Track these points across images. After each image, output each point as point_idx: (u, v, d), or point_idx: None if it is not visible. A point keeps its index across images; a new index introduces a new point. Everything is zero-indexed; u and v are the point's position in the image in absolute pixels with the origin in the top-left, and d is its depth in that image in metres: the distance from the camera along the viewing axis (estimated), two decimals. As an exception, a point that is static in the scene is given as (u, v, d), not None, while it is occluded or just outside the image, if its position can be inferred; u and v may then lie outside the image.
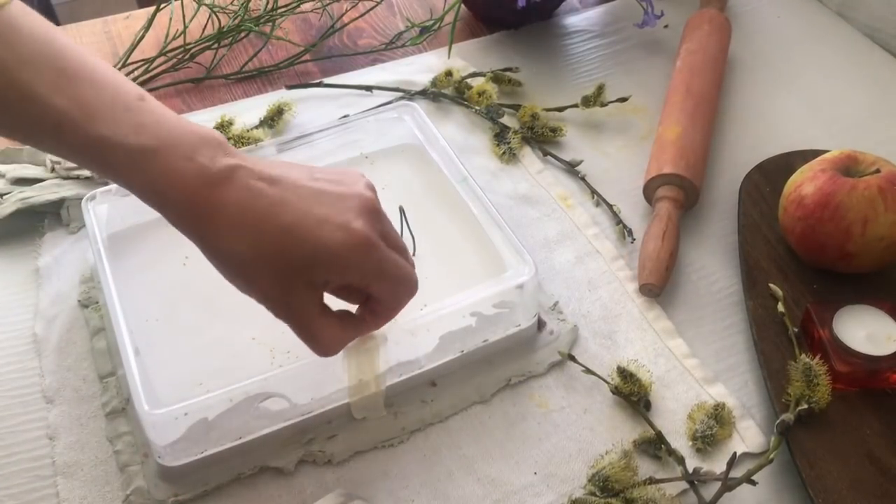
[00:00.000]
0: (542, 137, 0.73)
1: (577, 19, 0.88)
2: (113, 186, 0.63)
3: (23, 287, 0.62)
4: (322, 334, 0.48)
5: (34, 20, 0.45)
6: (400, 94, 0.77)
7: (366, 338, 0.51)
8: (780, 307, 0.58)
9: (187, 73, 0.81)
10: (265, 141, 0.70)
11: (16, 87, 0.43)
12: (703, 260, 0.65)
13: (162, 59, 0.81)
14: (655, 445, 0.53)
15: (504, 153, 0.72)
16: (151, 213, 0.64)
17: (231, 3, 0.87)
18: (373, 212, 0.48)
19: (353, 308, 0.51)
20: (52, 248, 0.64)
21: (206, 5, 0.83)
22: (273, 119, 0.74)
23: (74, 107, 0.44)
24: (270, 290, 0.46)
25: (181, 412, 0.49)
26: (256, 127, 0.73)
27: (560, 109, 0.76)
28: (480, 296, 0.55)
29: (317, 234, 0.46)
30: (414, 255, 0.62)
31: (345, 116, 0.73)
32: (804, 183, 0.60)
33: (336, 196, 0.48)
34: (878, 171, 0.58)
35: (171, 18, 0.83)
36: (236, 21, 0.83)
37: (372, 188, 0.50)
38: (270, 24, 0.84)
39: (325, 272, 0.46)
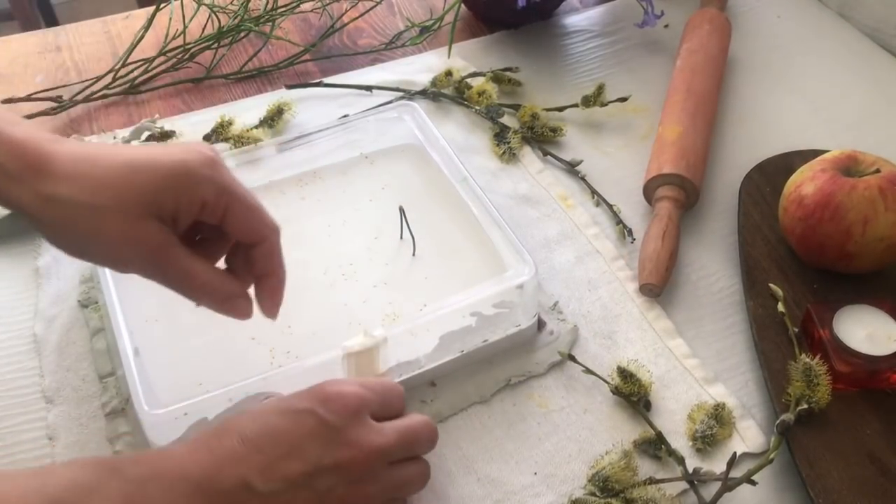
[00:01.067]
0: (542, 137, 0.73)
1: (577, 19, 0.88)
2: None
3: (23, 287, 0.62)
4: (188, 268, 0.46)
5: None
6: (400, 94, 0.77)
7: (366, 339, 0.51)
8: (781, 307, 0.58)
9: (187, 73, 0.81)
10: (265, 141, 0.70)
11: None
12: (703, 260, 0.65)
13: (162, 58, 0.81)
14: (655, 445, 0.53)
15: (504, 153, 0.72)
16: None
17: (231, 2, 0.87)
18: (211, 150, 0.46)
19: None
20: (52, 247, 0.64)
21: (205, 5, 0.83)
22: (273, 119, 0.74)
23: None
24: (118, 233, 0.44)
25: (181, 412, 0.48)
26: (256, 127, 0.73)
27: (560, 109, 0.76)
28: (480, 296, 0.55)
29: (158, 159, 0.44)
30: (414, 255, 0.62)
31: (345, 116, 0.73)
32: (804, 183, 0.60)
33: (179, 145, 0.47)
34: (878, 171, 0.58)
35: (170, 18, 0.83)
36: (236, 21, 0.83)
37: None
38: (270, 23, 0.84)
39: (174, 195, 0.44)
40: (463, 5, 0.85)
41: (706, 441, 0.53)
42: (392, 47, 0.84)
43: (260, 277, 0.49)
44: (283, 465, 0.43)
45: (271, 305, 0.50)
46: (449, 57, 0.81)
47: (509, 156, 0.72)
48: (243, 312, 0.48)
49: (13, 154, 0.43)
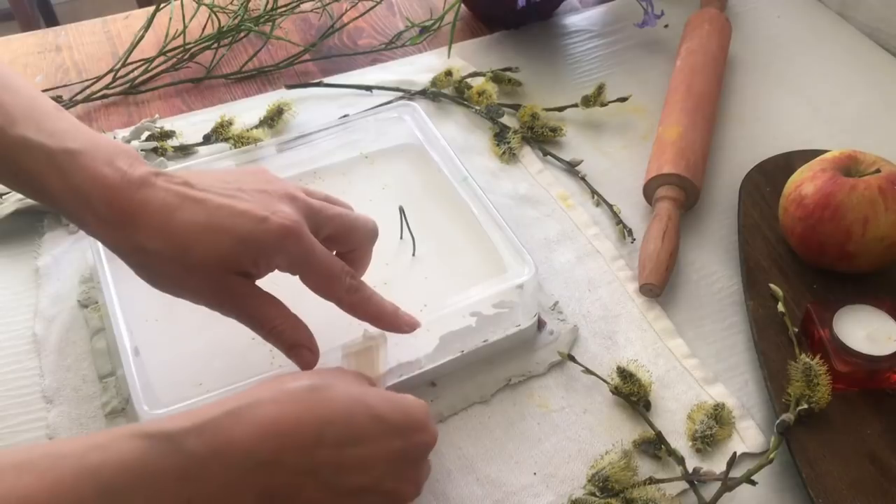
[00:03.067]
0: (542, 137, 0.73)
1: (577, 19, 0.88)
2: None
3: (22, 287, 0.62)
4: (263, 315, 0.48)
5: None
6: (400, 93, 0.77)
7: (366, 338, 0.51)
8: (781, 307, 0.58)
9: (187, 73, 0.81)
10: (265, 141, 0.70)
11: None
12: (703, 260, 0.65)
13: (162, 58, 0.81)
14: (655, 445, 0.53)
15: (504, 153, 0.72)
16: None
17: (231, 2, 0.87)
18: (295, 199, 0.48)
19: None
20: (52, 248, 0.64)
21: (205, 5, 0.83)
22: (273, 119, 0.74)
23: None
24: (202, 286, 0.47)
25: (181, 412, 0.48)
26: (256, 127, 0.73)
27: (560, 109, 0.76)
28: (480, 296, 0.55)
29: (238, 225, 0.46)
30: (414, 255, 0.62)
31: (345, 116, 0.73)
32: (804, 183, 0.60)
33: (256, 191, 0.48)
34: (878, 171, 0.58)
35: (170, 18, 0.83)
36: (236, 21, 0.83)
37: (294, 187, 0.50)
38: (270, 23, 0.84)
39: (252, 262, 0.47)
40: (463, 5, 0.85)
41: (706, 441, 0.53)
42: (392, 47, 0.84)
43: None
44: (351, 477, 0.43)
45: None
46: (449, 57, 0.81)
47: (509, 156, 0.72)
48: (306, 363, 0.49)
49: (106, 201, 0.45)
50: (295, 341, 0.49)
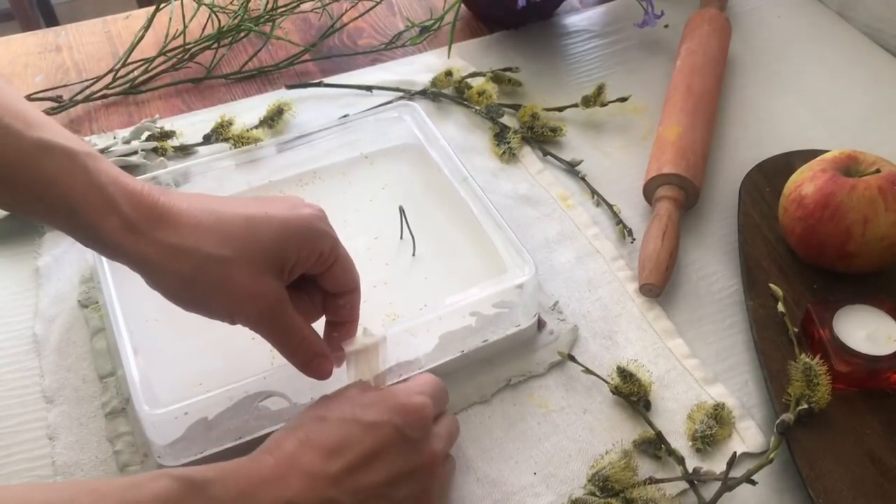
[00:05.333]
0: (542, 137, 0.73)
1: (577, 19, 0.88)
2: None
3: (23, 287, 0.62)
4: (293, 324, 0.48)
5: None
6: (400, 94, 0.77)
7: (366, 338, 0.51)
8: (781, 307, 0.58)
9: (187, 73, 0.81)
10: (265, 141, 0.70)
11: None
12: (703, 260, 0.65)
13: (162, 58, 0.81)
14: (655, 445, 0.53)
15: (504, 153, 0.72)
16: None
17: (231, 3, 0.87)
18: (320, 209, 0.50)
19: None
20: (52, 248, 0.64)
21: (205, 5, 0.83)
22: (273, 119, 0.74)
23: (8, 115, 0.43)
24: (242, 286, 0.45)
25: (181, 412, 0.48)
26: (256, 127, 0.73)
27: (560, 109, 0.76)
28: (480, 296, 0.55)
29: (275, 214, 0.46)
30: (414, 255, 0.62)
31: (345, 116, 0.73)
32: (804, 183, 0.60)
33: (281, 200, 0.49)
34: (878, 171, 0.58)
35: (170, 18, 0.83)
36: (236, 21, 0.83)
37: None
38: (270, 23, 0.84)
39: (296, 247, 0.47)
40: (463, 5, 0.85)
41: (706, 441, 0.53)
42: (392, 47, 0.84)
43: (336, 325, 0.52)
44: (365, 477, 0.44)
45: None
46: (449, 57, 0.81)
47: (509, 156, 0.72)
48: (325, 373, 0.50)
49: (133, 204, 0.44)
50: (318, 352, 0.49)
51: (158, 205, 0.44)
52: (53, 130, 0.44)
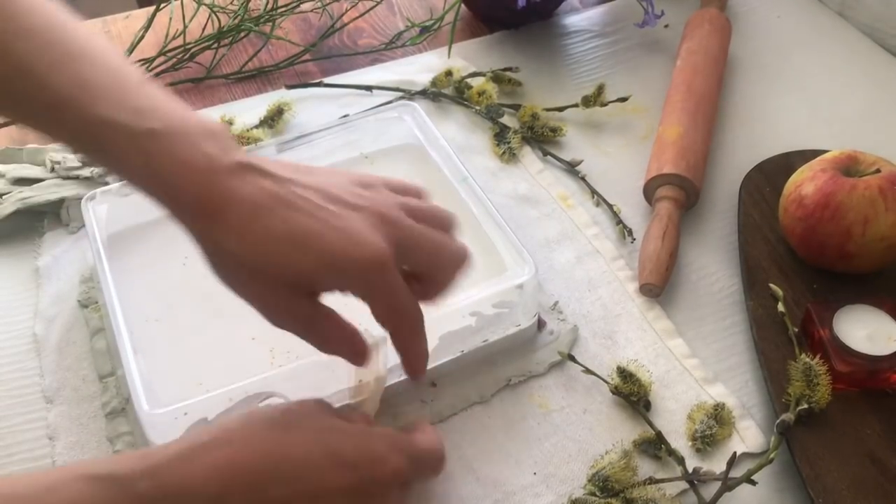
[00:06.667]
0: (542, 137, 0.73)
1: (578, 19, 0.88)
2: (113, 186, 0.63)
3: (23, 287, 0.62)
4: (327, 333, 0.46)
5: None
6: (400, 93, 0.77)
7: (366, 338, 0.51)
8: (781, 307, 0.58)
9: (187, 73, 0.81)
10: (265, 141, 0.70)
11: (10, 60, 0.41)
12: (704, 260, 0.65)
13: (162, 58, 0.81)
14: (655, 445, 0.53)
15: (504, 153, 0.72)
16: (151, 214, 0.64)
17: (231, 2, 0.87)
18: (388, 221, 0.45)
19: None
20: (52, 248, 0.64)
21: (205, 5, 0.83)
22: (273, 119, 0.74)
23: (74, 86, 0.41)
24: (271, 300, 0.44)
25: (181, 412, 0.48)
26: (256, 127, 0.73)
27: (560, 109, 0.76)
28: (480, 296, 0.55)
29: (324, 247, 0.43)
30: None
31: (345, 116, 0.73)
32: (804, 183, 0.60)
33: (351, 205, 0.44)
34: (878, 171, 0.58)
35: (170, 18, 0.83)
36: (236, 21, 0.83)
37: (392, 203, 0.47)
38: (270, 23, 0.84)
39: (327, 286, 0.45)
40: (463, 5, 0.85)
41: (706, 441, 0.53)
42: (392, 47, 0.84)
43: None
44: None
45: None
46: (449, 57, 0.81)
47: (509, 156, 0.72)
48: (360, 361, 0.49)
49: (188, 189, 0.42)
50: (358, 351, 0.48)
51: (216, 195, 0.42)
52: (119, 102, 0.42)
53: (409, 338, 0.48)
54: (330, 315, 0.46)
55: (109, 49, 0.44)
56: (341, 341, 0.47)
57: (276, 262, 0.43)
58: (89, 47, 0.43)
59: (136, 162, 0.42)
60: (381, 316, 0.46)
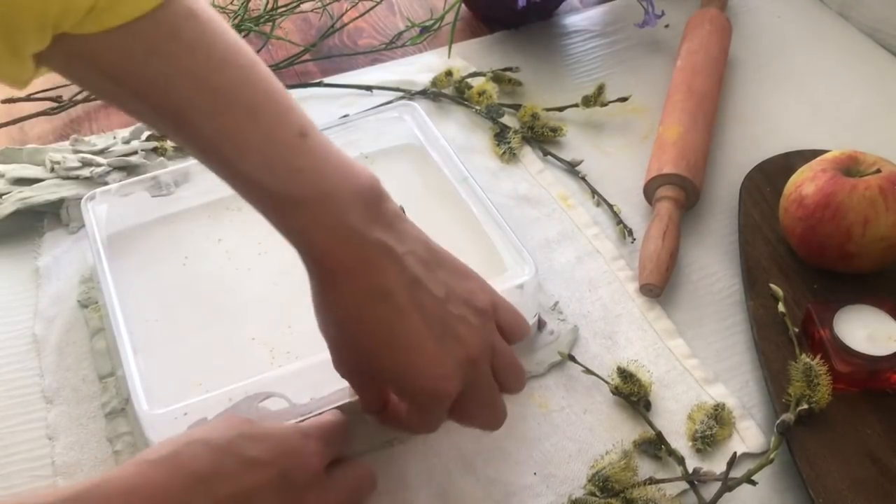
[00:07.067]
0: (542, 137, 0.73)
1: (578, 19, 0.88)
2: (113, 186, 0.63)
3: (22, 287, 0.62)
4: (368, 401, 0.48)
5: (197, 24, 0.41)
6: (400, 93, 0.77)
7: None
8: (781, 307, 0.57)
9: (187, 73, 0.81)
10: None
11: (167, 108, 0.41)
12: (704, 260, 0.65)
13: (162, 58, 0.81)
14: (655, 445, 0.53)
15: (504, 153, 0.72)
16: (151, 214, 0.64)
17: (231, 3, 0.87)
18: (473, 368, 0.45)
19: None
20: (52, 248, 0.64)
21: (206, 5, 0.83)
22: (273, 119, 0.73)
23: (224, 139, 0.41)
24: (341, 368, 0.46)
25: (181, 412, 0.48)
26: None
27: (560, 109, 0.76)
28: (480, 296, 0.55)
29: (410, 362, 0.44)
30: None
31: (345, 116, 0.73)
32: (805, 183, 0.60)
33: (453, 335, 0.44)
34: (878, 171, 0.58)
35: (171, 18, 0.83)
36: (236, 21, 0.83)
37: (503, 324, 0.48)
38: (270, 23, 0.84)
39: (393, 389, 0.47)
40: (463, 5, 0.85)
41: (706, 441, 0.53)
42: (392, 47, 0.84)
43: None
44: None
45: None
46: (449, 57, 0.81)
47: (509, 156, 0.72)
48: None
49: (319, 255, 0.43)
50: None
51: (340, 272, 0.43)
52: (268, 163, 0.42)
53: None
54: (385, 389, 0.48)
55: (270, 88, 0.43)
56: (373, 402, 0.49)
57: (360, 355, 0.45)
58: (248, 89, 0.42)
59: (281, 220, 0.43)
60: (409, 416, 0.47)
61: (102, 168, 0.68)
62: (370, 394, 0.48)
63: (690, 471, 0.51)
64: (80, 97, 0.77)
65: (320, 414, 0.51)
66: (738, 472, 0.51)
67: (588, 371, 0.56)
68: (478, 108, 0.75)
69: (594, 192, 0.69)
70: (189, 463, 0.41)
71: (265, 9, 0.85)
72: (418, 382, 0.44)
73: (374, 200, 0.44)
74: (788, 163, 0.67)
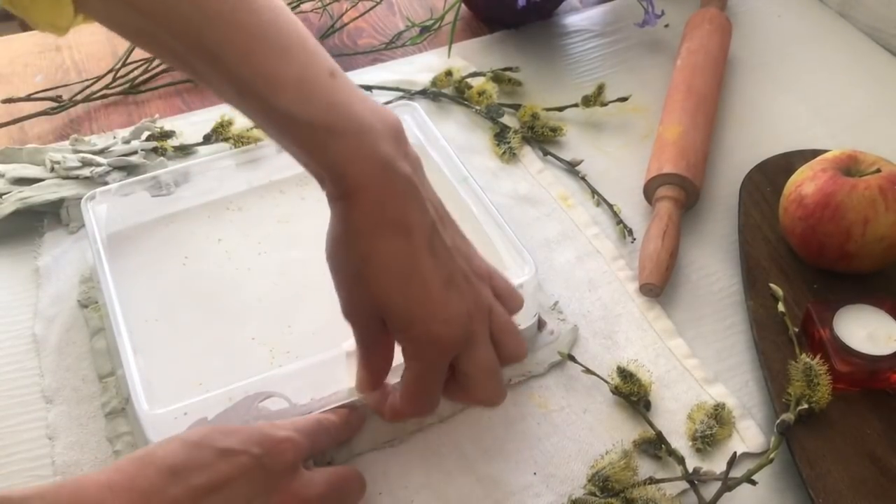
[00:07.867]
0: (542, 137, 0.73)
1: (578, 19, 0.88)
2: (113, 186, 0.63)
3: (22, 287, 0.62)
4: (372, 349, 0.48)
5: None
6: (400, 93, 0.77)
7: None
8: (781, 307, 0.58)
9: (187, 73, 0.81)
10: (265, 141, 0.70)
11: (202, 48, 0.42)
12: (704, 260, 0.65)
13: (162, 58, 0.81)
14: (655, 445, 0.53)
15: (504, 153, 0.72)
16: (151, 214, 0.64)
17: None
18: (477, 321, 0.47)
19: None
20: (52, 248, 0.64)
21: (205, 5, 0.83)
22: (273, 119, 0.73)
23: (259, 79, 0.43)
24: (353, 293, 0.46)
25: (181, 412, 0.48)
26: (256, 126, 0.73)
27: (560, 109, 0.76)
28: (480, 296, 0.55)
29: (417, 305, 0.44)
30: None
31: (345, 116, 0.72)
32: (804, 183, 0.60)
33: (461, 288, 0.46)
34: (878, 170, 0.58)
35: (170, 18, 0.83)
36: (236, 21, 0.83)
37: (498, 290, 0.49)
38: (270, 23, 0.84)
39: (398, 333, 0.46)
40: (463, 5, 0.85)
41: (706, 441, 0.53)
42: (392, 47, 0.84)
43: None
44: (209, 501, 0.41)
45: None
46: (449, 57, 0.81)
47: (509, 155, 0.72)
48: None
49: (356, 179, 0.44)
50: (368, 383, 0.49)
51: (372, 191, 0.44)
52: (303, 96, 0.43)
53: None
54: (389, 346, 0.48)
55: (299, 35, 0.45)
56: (375, 371, 0.49)
57: (371, 296, 0.45)
58: (280, 33, 0.44)
59: (314, 153, 0.44)
60: (406, 389, 0.48)
61: (102, 168, 0.68)
62: (375, 354, 0.48)
63: (690, 470, 0.51)
64: (80, 97, 0.77)
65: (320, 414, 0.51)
66: (737, 472, 0.51)
67: (588, 371, 0.56)
68: (478, 107, 0.75)
69: (594, 191, 0.69)
70: (164, 457, 0.41)
71: (265, 9, 0.84)
72: (424, 326, 0.45)
73: (402, 138, 0.46)
74: (788, 162, 0.67)
